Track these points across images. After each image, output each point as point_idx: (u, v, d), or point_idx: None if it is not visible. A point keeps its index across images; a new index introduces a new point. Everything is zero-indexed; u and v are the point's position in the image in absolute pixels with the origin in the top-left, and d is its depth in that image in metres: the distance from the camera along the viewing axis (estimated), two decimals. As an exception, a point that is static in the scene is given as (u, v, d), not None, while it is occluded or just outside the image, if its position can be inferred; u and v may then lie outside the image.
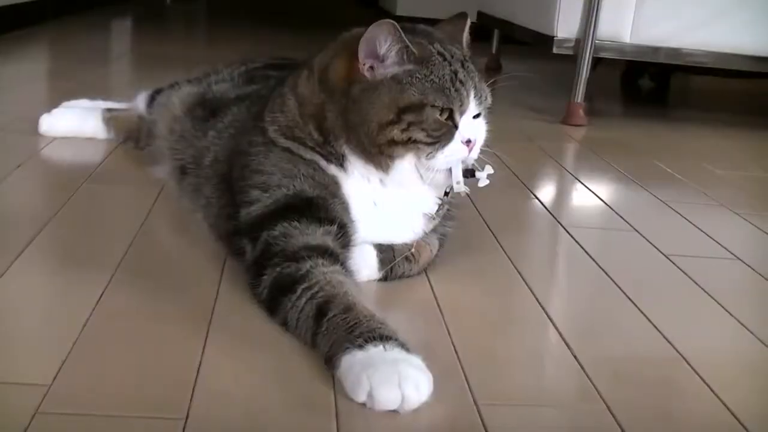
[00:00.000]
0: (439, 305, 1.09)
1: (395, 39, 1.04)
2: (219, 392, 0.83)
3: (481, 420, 0.82)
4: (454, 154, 1.07)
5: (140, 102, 1.67)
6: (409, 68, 1.05)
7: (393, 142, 1.06)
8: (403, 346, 0.86)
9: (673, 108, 3.29)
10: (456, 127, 1.07)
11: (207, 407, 0.80)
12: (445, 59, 1.07)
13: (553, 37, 2.45)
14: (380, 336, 0.85)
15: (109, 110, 1.74)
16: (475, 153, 1.10)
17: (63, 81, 2.52)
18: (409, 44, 1.04)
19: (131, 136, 1.66)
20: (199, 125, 1.39)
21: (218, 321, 0.98)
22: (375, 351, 0.84)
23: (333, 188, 1.09)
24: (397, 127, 1.05)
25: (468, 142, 1.08)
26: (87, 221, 1.30)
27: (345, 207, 1.10)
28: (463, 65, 1.09)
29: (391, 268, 1.14)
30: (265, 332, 0.96)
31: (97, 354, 0.89)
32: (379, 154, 1.07)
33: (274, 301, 0.97)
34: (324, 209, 1.07)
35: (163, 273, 1.12)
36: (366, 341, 0.84)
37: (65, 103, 1.79)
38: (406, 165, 1.08)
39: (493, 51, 3.56)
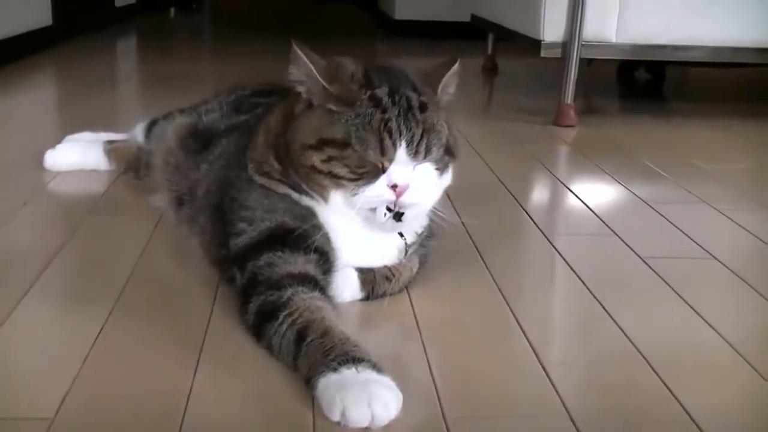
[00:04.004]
0: (417, 321, 1.16)
1: (308, 77, 1.09)
2: (207, 416, 0.91)
3: (447, 430, 0.89)
4: (377, 196, 1.09)
5: (138, 132, 1.75)
6: (332, 107, 1.09)
7: (316, 170, 1.10)
8: (375, 367, 0.92)
9: (669, 100, 3.34)
10: (383, 170, 1.09)
11: (196, 431, 0.88)
12: (378, 105, 1.07)
13: (540, 41, 2.51)
14: (353, 358, 0.92)
15: (110, 142, 1.82)
16: (410, 198, 1.10)
17: (70, 109, 2.62)
18: (326, 85, 1.08)
19: (131, 167, 1.74)
20: (192, 157, 1.47)
21: (209, 347, 1.06)
22: (348, 373, 0.90)
23: (311, 219, 1.15)
24: (317, 156, 1.09)
25: (395, 186, 1.08)
26: (90, 255, 1.38)
27: (325, 236, 1.15)
28: (406, 114, 1.08)
29: (373, 288, 1.20)
30: (251, 357, 1.03)
31: (97, 385, 0.96)
32: (310, 181, 1.12)
33: (259, 327, 1.04)
34: (305, 239, 1.12)
35: (160, 302, 1.20)
36: (340, 364, 0.91)
37: (68, 137, 1.87)
38: (338, 198, 1.12)
39: (489, 52, 3.62)
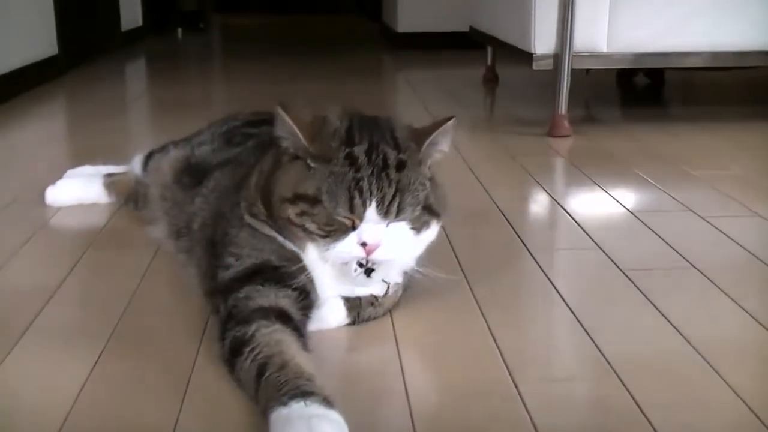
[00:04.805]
0: (397, 342, 1.20)
1: (292, 135, 1.13)
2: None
3: (418, 454, 0.94)
4: (347, 253, 1.13)
5: (136, 165, 1.81)
6: (310, 163, 1.13)
7: (291, 222, 1.14)
8: (324, 401, 0.95)
9: (667, 105, 3.36)
10: (354, 227, 1.12)
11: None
12: (353, 164, 1.10)
13: (532, 53, 2.55)
14: (303, 393, 0.95)
15: (109, 175, 1.88)
16: (381, 255, 1.13)
17: (77, 140, 2.70)
18: (307, 144, 1.12)
19: (130, 199, 1.80)
20: (187, 192, 1.52)
21: (196, 378, 1.11)
22: (296, 407, 0.94)
23: (297, 261, 1.19)
24: (292, 209, 1.13)
25: (365, 244, 1.11)
26: (89, 289, 1.45)
27: (309, 277, 1.19)
28: (380, 173, 1.10)
29: (358, 314, 1.25)
30: (235, 388, 1.07)
31: (90, 418, 1.02)
32: (286, 231, 1.15)
33: (230, 362, 1.09)
34: (289, 276, 1.17)
35: (153, 335, 1.25)
36: (290, 398, 0.95)
37: (69, 172, 1.94)
38: (313, 250, 1.16)
39: (489, 63, 3.66)
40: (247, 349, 1.06)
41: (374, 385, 1.10)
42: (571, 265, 1.56)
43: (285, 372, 1.00)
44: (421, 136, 1.17)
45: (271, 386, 0.99)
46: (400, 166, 1.12)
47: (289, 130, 1.14)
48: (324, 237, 1.13)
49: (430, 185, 1.17)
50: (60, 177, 1.92)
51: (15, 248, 1.61)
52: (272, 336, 1.08)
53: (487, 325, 1.27)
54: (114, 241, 1.66)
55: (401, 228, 1.14)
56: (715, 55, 2.61)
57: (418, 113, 3.05)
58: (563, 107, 2.55)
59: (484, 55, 3.69)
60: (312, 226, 1.12)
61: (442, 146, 1.19)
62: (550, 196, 1.98)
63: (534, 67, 2.55)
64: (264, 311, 1.12)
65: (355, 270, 1.15)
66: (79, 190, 1.86)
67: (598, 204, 1.92)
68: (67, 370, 1.14)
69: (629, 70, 3.51)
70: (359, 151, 1.12)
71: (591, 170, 2.16)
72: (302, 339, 1.11)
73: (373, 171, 1.10)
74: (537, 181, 2.09)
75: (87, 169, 1.95)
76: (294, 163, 1.15)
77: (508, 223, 1.76)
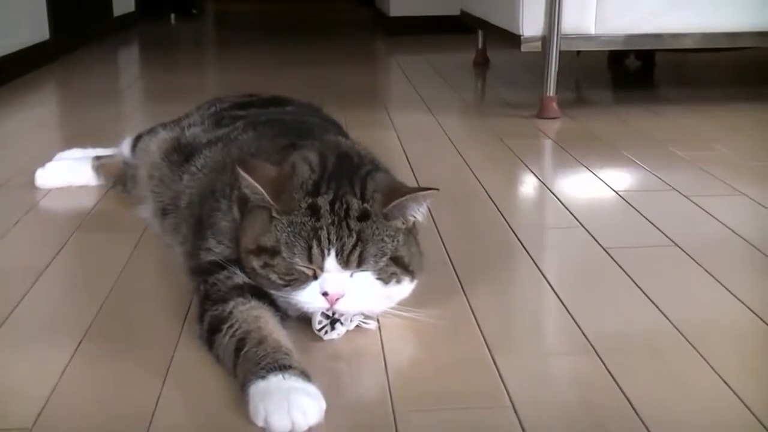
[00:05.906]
0: (377, 318, 1.20)
1: (254, 192, 1.12)
2: (172, 426, 0.97)
3: (395, 424, 0.96)
4: (309, 303, 1.11)
5: (125, 148, 1.82)
6: (274, 214, 1.11)
7: (255, 273, 1.13)
8: (302, 374, 0.97)
9: (658, 87, 3.37)
10: (315, 277, 1.10)
11: (162, 434, 0.95)
12: (314, 214, 1.09)
13: (520, 36, 2.56)
14: (281, 366, 0.97)
15: (97, 158, 1.89)
16: (345, 306, 1.11)
17: (69, 125, 2.71)
18: (265, 195, 1.10)
19: (119, 181, 1.81)
20: (175, 169, 1.54)
21: (177, 360, 1.12)
22: (274, 380, 0.96)
23: None
24: (256, 261, 1.12)
25: (326, 294, 1.09)
26: (74, 271, 1.46)
27: None
28: (341, 222, 1.08)
29: None
30: (217, 368, 1.09)
31: (73, 397, 1.03)
32: (252, 279, 1.14)
33: (209, 340, 1.10)
34: None
35: (136, 318, 1.26)
36: (268, 372, 0.97)
37: (58, 155, 1.95)
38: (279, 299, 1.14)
39: (480, 47, 3.67)
40: (226, 325, 1.08)
41: (353, 360, 1.12)
42: (555, 244, 1.58)
43: (263, 346, 1.02)
44: (393, 194, 1.13)
45: (249, 360, 1.01)
46: (364, 216, 1.10)
47: (253, 190, 1.12)
48: (285, 286, 1.11)
49: (403, 239, 1.13)
50: (50, 161, 1.92)
51: (3, 230, 1.62)
52: (250, 312, 1.09)
53: (468, 301, 1.28)
54: (101, 223, 1.67)
55: (366, 278, 1.11)
56: (706, 36, 2.61)
57: (410, 97, 3.06)
58: (551, 89, 2.55)
59: (475, 38, 3.70)
60: (273, 276, 1.11)
61: (413, 213, 1.15)
62: (536, 177, 1.99)
63: (522, 49, 2.55)
64: (240, 289, 1.14)
65: (320, 322, 1.13)
66: (68, 172, 1.87)
67: (583, 184, 1.94)
68: (51, 350, 1.15)
69: (620, 52, 3.52)
70: (322, 201, 1.10)
71: (578, 152, 2.17)
72: (279, 314, 1.13)
73: (333, 220, 1.08)
74: (524, 163, 2.10)
75: (76, 152, 1.96)
76: (260, 210, 1.14)
77: (494, 203, 1.77)
